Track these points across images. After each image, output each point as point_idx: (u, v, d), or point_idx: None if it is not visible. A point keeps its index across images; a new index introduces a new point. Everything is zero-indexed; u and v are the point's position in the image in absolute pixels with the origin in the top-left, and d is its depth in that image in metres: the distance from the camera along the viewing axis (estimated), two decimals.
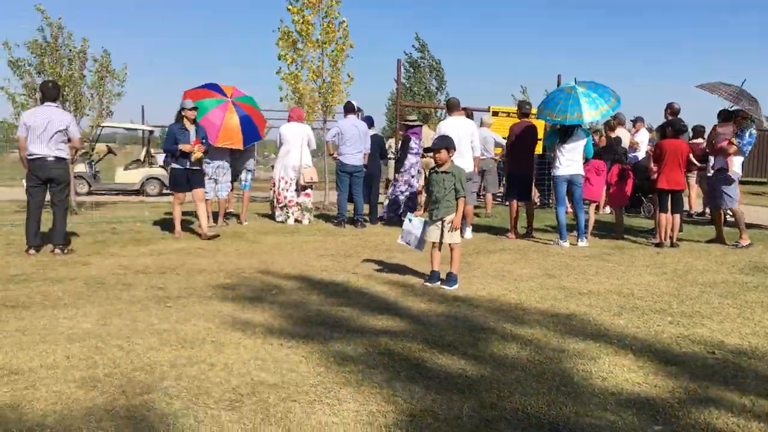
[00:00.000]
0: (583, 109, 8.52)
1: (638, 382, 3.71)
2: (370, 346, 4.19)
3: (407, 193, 10.99)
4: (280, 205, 10.83)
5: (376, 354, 4.03)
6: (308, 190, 10.87)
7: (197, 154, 8.69)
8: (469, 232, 9.44)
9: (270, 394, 3.38)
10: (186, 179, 8.81)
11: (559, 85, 14.63)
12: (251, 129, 10.24)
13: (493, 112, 13.82)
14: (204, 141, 8.90)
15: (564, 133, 8.85)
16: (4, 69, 11.87)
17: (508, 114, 13.84)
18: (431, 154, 6.18)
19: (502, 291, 5.97)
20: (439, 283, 6.10)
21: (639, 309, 5.41)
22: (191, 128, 8.84)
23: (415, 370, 3.76)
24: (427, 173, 6.37)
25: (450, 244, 6.09)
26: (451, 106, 9.52)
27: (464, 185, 6.09)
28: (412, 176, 10.97)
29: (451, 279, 6.07)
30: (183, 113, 8.82)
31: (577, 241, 8.87)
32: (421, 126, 11.48)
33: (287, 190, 10.73)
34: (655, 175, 8.97)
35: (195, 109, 8.97)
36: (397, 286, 6.04)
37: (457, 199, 6.03)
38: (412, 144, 11.00)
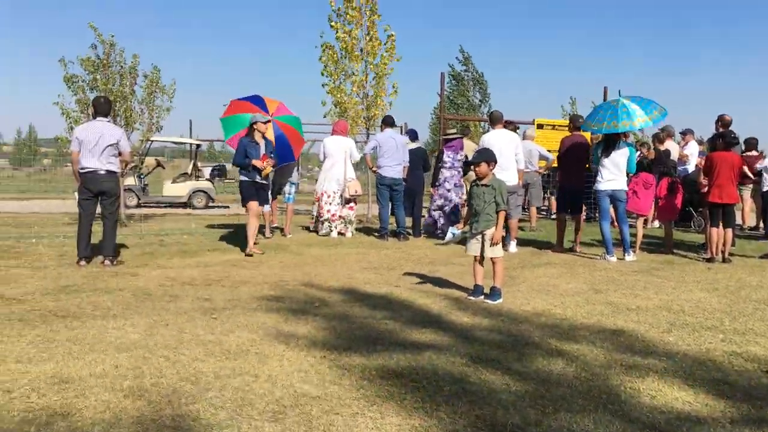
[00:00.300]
0: (619, 118, 8.52)
1: (688, 400, 3.60)
2: (414, 359, 4.17)
3: (445, 207, 10.95)
4: (323, 219, 10.89)
5: (419, 368, 4.01)
6: (351, 203, 10.91)
7: (267, 168, 8.74)
8: (513, 246, 9.36)
9: (313, 406, 3.38)
10: (255, 191, 8.82)
11: (605, 96, 14.49)
12: (285, 149, 10.19)
13: (537, 124, 13.73)
14: (272, 155, 8.91)
15: (606, 146, 8.75)
16: (59, 85, 12.33)
17: (554, 127, 13.74)
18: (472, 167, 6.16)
19: (547, 305, 5.88)
20: (482, 297, 6.04)
21: (689, 326, 5.26)
22: (261, 142, 8.82)
23: (458, 385, 3.72)
24: (469, 187, 6.34)
25: (492, 258, 6.02)
26: (494, 120, 9.53)
27: (505, 198, 6.03)
28: (448, 190, 10.93)
29: (494, 293, 6.00)
30: (254, 126, 8.79)
31: (624, 255, 8.70)
32: (460, 138, 11.45)
33: (330, 203, 10.78)
34: (705, 189, 8.75)
35: (268, 122, 9.02)
36: (441, 300, 6.00)
37: (497, 212, 5.97)
38: (445, 158, 11.00)
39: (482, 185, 6.01)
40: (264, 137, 8.90)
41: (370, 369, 3.97)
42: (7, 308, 5.32)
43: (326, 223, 10.83)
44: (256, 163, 8.63)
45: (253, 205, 8.82)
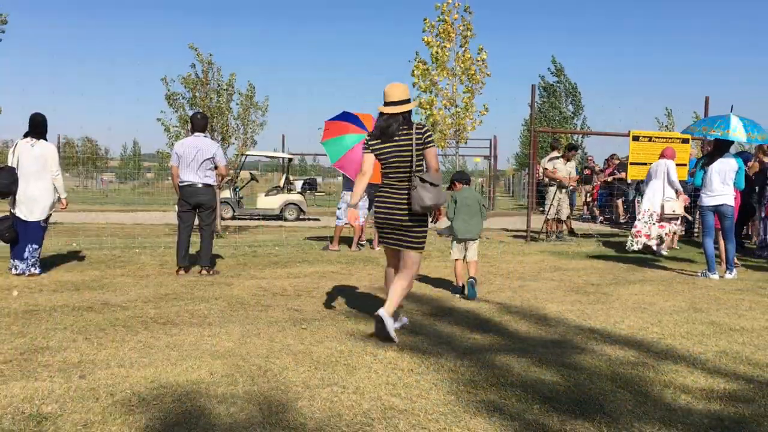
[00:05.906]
0: (731, 126, 8.29)
1: None
2: (502, 375, 4.10)
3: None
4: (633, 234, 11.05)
5: (508, 384, 3.93)
6: (663, 222, 10.76)
7: None
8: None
9: (400, 419, 3.37)
10: None
11: (706, 106, 13.95)
12: None
13: (633, 136, 13.27)
14: None
15: (712, 157, 8.35)
16: (161, 102, 12.95)
17: (650, 139, 13.22)
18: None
19: (643, 324, 5.65)
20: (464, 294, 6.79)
21: None
22: None
23: (548, 403, 3.63)
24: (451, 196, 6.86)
25: (469, 261, 6.85)
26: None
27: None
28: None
29: (473, 286, 6.67)
30: None
31: (725, 273, 8.25)
32: None
33: (640, 220, 10.84)
34: None
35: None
36: (528, 316, 5.88)
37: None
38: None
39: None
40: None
41: (458, 383, 3.93)
42: (112, 315, 5.61)
43: (634, 238, 10.94)
44: None
45: None
